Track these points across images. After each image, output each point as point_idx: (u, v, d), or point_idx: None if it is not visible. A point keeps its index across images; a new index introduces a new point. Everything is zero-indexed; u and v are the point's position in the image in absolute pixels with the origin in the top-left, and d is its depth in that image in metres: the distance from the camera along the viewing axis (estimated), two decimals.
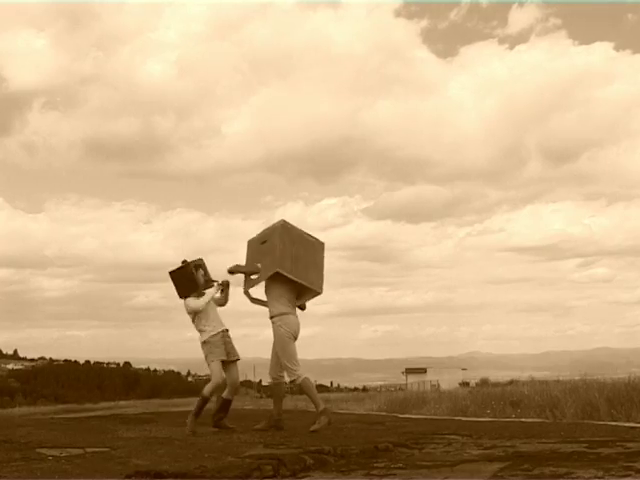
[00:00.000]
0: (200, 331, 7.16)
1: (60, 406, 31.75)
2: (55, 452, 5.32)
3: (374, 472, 4.29)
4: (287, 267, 6.92)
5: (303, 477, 4.28)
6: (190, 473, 4.19)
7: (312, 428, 6.62)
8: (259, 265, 7.02)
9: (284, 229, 7.12)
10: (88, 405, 30.71)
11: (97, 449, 5.52)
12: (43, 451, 5.41)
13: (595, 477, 3.88)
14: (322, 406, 6.83)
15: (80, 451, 5.41)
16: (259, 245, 7.18)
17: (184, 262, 7.32)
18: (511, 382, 23.04)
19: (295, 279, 6.93)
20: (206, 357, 7.11)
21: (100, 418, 10.15)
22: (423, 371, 61.89)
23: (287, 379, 7.00)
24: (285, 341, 6.84)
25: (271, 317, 6.93)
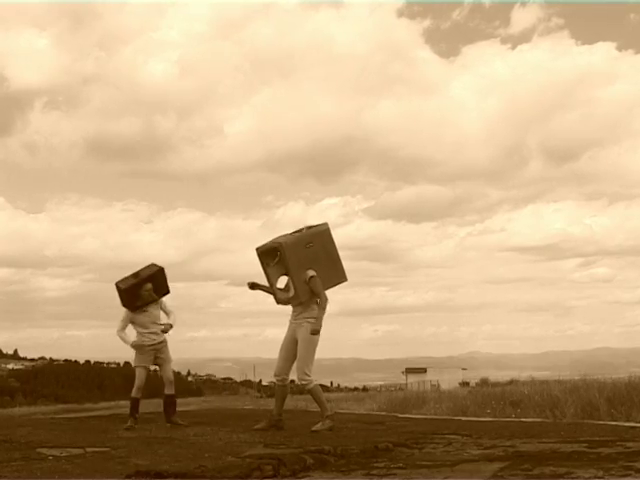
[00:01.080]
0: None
1: (60, 406, 31.73)
2: (55, 452, 5.32)
3: (374, 472, 4.29)
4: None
5: (303, 477, 4.29)
6: (190, 473, 4.19)
7: (314, 428, 6.63)
8: (309, 272, 6.70)
9: (329, 233, 6.98)
10: (88, 405, 30.69)
11: (97, 449, 5.52)
12: (43, 451, 5.42)
13: (595, 477, 3.89)
14: (329, 412, 6.86)
15: (80, 451, 5.41)
16: (305, 249, 6.74)
17: (136, 276, 7.72)
18: (511, 382, 23.04)
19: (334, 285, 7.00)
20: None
21: (100, 418, 10.14)
22: (423, 371, 61.94)
23: (297, 381, 6.98)
24: (314, 346, 6.78)
25: (305, 317, 6.78)
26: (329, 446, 5.14)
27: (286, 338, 6.95)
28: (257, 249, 6.89)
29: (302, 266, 6.72)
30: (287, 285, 6.98)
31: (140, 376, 7.79)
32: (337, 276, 6.96)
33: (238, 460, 4.64)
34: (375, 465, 4.54)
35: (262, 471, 4.28)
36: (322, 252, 6.83)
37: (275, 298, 6.97)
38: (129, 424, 7.49)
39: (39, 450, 5.47)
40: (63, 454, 5.19)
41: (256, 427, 6.93)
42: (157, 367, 8.04)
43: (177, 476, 4.13)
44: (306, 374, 6.74)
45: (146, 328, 7.73)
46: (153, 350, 7.77)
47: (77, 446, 5.68)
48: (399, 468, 4.39)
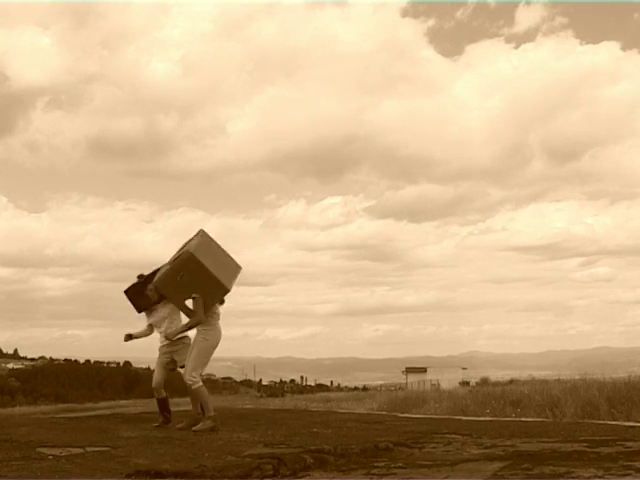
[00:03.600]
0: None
1: (60, 405, 31.71)
2: (55, 451, 5.32)
3: (374, 471, 4.30)
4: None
5: (303, 476, 4.29)
6: (190, 472, 4.19)
7: (195, 428, 6.87)
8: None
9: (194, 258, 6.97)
10: (88, 404, 30.68)
11: (97, 448, 5.52)
12: (43, 450, 5.42)
13: (595, 476, 3.89)
14: (212, 412, 6.98)
15: (80, 450, 5.42)
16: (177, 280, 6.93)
17: (140, 277, 7.64)
18: (511, 381, 23.08)
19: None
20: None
21: (100, 417, 10.14)
22: (423, 370, 62.00)
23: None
24: None
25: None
26: (329, 445, 5.14)
27: None
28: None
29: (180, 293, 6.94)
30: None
31: (155, 376, 7.77)
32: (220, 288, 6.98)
33: (238, 459, 4.64)
34: (375, 464, 4.55)
35: (262, 470, 4.28)
36: (195, 277, 6.86)
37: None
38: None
39: (39, 449, 5.48)
40: (63, 453, 5.20)
41: (178, 426, 7.17)
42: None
43: (177, 475, 4.13)
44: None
45: (158, 327, 7.67)
46: (167, 351, 7.69)
47: (77, 445, 5.69)
48: (399, 467, 4.40)
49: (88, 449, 5.47)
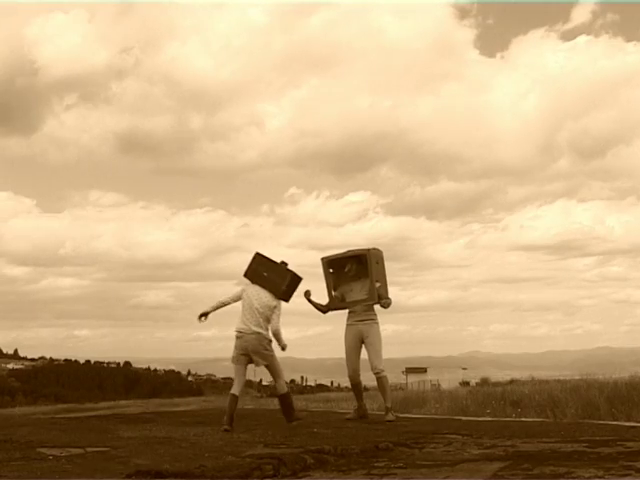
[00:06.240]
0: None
1: (60, 406, 31.72)
2: (55, 452, 5.32)
3: (374, 471, 4.29)
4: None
5: (303, 476, 4.29)
6: (190, 472, 4.19)
7: (386, 418, 7.63)
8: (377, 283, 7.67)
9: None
10: (88, 405, 30.70)
11: (98, 449, 5.52)
12: (43, 451, 5.41)
13: (595, 476, 3.89)
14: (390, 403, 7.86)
15: (81, 451, 5.41)
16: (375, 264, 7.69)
17: (283, 263, 7.34)
18: (512, 381, 23.05)
19: None
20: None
21: (100, 418, 10.14)
22: (423, 370, 61.93)
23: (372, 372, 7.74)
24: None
25: (372, 318, 7.75)
26: (329, 446, 5.14)
27: (353, 339, 7.74)
28: (324, 258, 7.93)
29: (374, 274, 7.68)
30: (342, 294, 7.87)
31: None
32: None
33: (238, 460, 4.64)
34: (375, 465, 4.54)
35: (262, 471, 4.28)
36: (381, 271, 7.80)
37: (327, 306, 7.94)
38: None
39: (39, 450, 5.47)
40: (63, 454, 5.19)
41: (347, 417, 8.05)
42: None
43: (177, 476, 4.13)
44: (382, 365, 7.69)
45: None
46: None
47: (77, 446, 5.68)
48: (399, 468, 4.39)
49: (88, 449, 5.47)
